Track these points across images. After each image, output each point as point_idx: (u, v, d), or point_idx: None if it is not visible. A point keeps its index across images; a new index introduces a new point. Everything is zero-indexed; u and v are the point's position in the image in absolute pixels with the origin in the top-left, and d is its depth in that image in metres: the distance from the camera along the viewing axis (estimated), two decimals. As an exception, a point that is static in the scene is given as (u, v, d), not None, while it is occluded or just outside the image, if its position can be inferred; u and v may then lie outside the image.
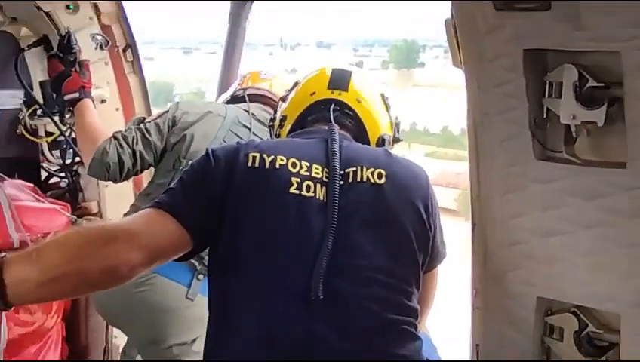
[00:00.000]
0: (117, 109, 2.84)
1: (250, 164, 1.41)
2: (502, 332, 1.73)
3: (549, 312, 1.67)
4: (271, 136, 1.88)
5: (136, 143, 2.22)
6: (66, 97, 2.52)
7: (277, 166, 1.41)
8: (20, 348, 2.53)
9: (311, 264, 1.32)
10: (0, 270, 1.20)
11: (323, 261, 1.32)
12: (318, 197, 1.40)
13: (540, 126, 1.57)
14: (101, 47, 2.72)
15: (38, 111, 2.69)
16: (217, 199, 1.39)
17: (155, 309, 2.25)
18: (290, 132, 1.71)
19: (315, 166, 1.43)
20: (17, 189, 2.65)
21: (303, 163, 1.43)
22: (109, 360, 2.92)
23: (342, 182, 1.42)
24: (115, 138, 2.23)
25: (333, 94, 1.67)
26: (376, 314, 1.36)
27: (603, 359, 1.60)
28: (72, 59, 2.57)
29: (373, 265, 1.38)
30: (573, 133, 1.53)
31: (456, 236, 1.92)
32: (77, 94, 2.51)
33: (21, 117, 2.70)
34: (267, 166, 1.41)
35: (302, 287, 1.32)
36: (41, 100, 2.73)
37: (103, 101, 2.77)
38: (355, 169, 1.44)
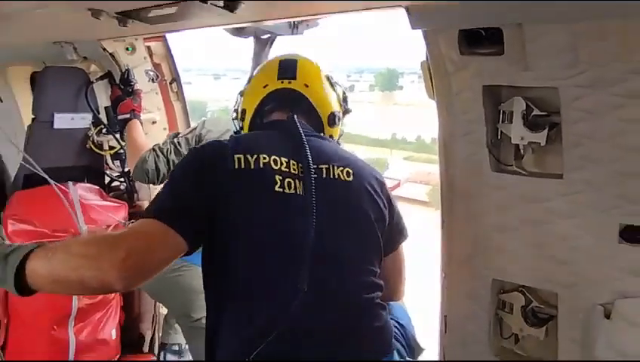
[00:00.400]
0: (164, 129, 2.84)
1: (236, 166, 1.25)
2: (465, 306, 1.73)
3: (501, 291, 1.66)
4: (235, 128, 1.66)
5: (170, 153, 2.21)
6: (120, 117, 2.55)
7: (261, 165, 1.26)
8: (87, 314, 2.54)
9: (298, 258, 1.20)
10: (25, 260, 1.10)
11: (308, 255, 1.20)
12: (298, 192, 1.27)
13: (495, 145, 1.56)
14: (153, 80, 2.71)
15: (103, 130, 2.69)
16: (206, 202, 1.22)
17: (186, 290, 2.25)
18: (251, 122, 1.54)
19: (292, 162, 1.30)
20: (86, 191, 2.65)
21: (282, 159, 1.29)
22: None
23: (315, 175, 1.28)
24: (154, 150, 2.24)
25: (283, 84, 1.50)
26: (355, 295, 1.29)
27: (544, 328, 1.59)
28: (130, 90, 2.58)
29: (348, 254, 1.30)
30: (522, 151, 1.53)
31: (427, 222, 1.89)
32: (128, 115, 2.53)
33: (90, 134, 2.70)
34: (252, 166, 1.26)
35: (292, 278, 1.19)
36: (105, 121, 2.74)
37: (153, 122, 2.77)
38: (327, 166, 1.33)
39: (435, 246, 1.79)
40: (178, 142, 2.25)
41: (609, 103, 1.29)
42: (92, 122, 2.69)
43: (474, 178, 1.60)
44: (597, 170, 1.36)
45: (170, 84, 2.82)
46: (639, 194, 1.31)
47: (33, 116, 2.65)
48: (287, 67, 1.53)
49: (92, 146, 2.71)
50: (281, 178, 1.26)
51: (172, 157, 2.21)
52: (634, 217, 1.33)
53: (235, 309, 1.25)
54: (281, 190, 1.25)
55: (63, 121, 2.64)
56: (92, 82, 2.69)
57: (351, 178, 1.34)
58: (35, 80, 3.09)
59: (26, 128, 2.73)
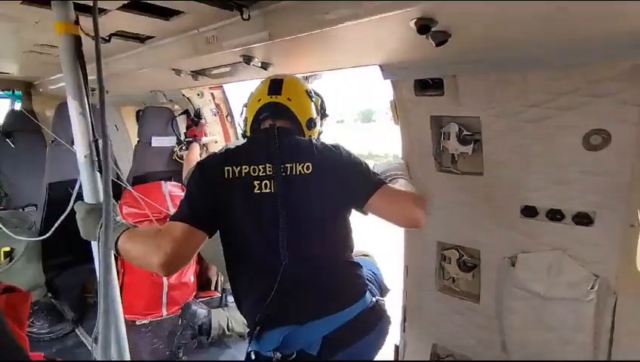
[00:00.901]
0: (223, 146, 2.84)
1: (226, 176, 1.16)
2: (420, 259, 1.72)
3: (443, 248, 1.65)
4: (242, 130, 1.47)
5: None
6: (186, 140, 2.57)
7: (243, 174, 1.16)
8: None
9: (276, 238, 1.13)
10: (121, 233, 1.12)
11: (284, 235, 1.13)
12: (272, 191, 1.16)
13: (439, 154, 1.55)
14: (215, 115, 2.72)
15: (183, 148, 2.71)
16: (212, 204, 1.15)
17: None
18: (251, 126, 1.37)
19: (267, 165, 1.18)
20: (173, 187, 2.67)
21: (260, 166, 1.17)
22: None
23: (284, 174, 1.17)
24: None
25: (272, 98, 1.33)
26: (326, 257, 1.20)
27: (471, 273, 1.59)
28: (199, 121, 2.59)
29: (315, 230, 1.19)
30: (456, 158, 1.51)
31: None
32: (191, 139, 2.54)
33: (175, 150, 2.71)
34: (237, 175, 1.16)
35: (275, 254, 1.13)
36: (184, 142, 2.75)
37: (216, 142, 2.77)
38: (292, 165, 1.18)
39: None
40: None
41: (513, 126, 1.29)
42: (176, 142, 2.71)
43: (425, 176, 1.59)
44: (505, 170, 1.36)
45: (227, 117, 2.82)
46: (532, 185, 1.31)
47: (138, 139, 2.67)
48: (275, 85, 1.37)
49: (176, 158, 2.72)
50: (259, 182, 1.17)
51: None
52: (529, 200, 1.33)
53: (244, 279, 1.21)
54: (259, 191, 1.16)
55: (158, 141, 2.66)
56: (176, 116, 2.71)
57: (310, 170, 1.18)
58: (138, 115, 3.12)
59: (133, 147, 2.75)
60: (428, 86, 1.42)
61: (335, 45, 1.34)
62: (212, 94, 2.68)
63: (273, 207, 1.14)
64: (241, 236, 1.17)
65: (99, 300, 1.03)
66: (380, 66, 1.46)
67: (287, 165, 1.18)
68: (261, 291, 1.14)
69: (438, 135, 1.52)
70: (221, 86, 2.69)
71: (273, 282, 1.11)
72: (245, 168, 1.17)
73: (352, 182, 1.23)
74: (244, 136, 1.45)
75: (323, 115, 1.47)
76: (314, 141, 1.27)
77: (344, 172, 1.22)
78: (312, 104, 1.39)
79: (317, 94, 1.45)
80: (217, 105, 2.72)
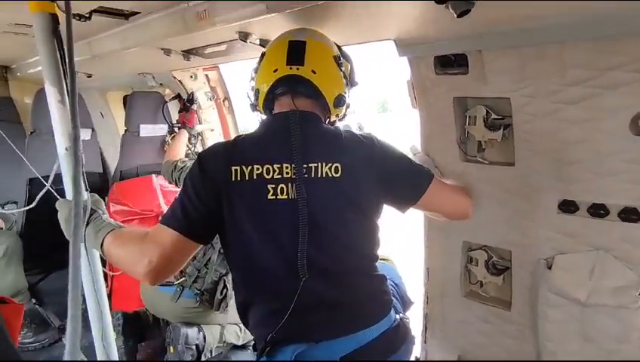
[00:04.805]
0: (219, 134, 2.87)
1: (233, 178, 1.08)
2: (442, 261, 1.72)
3: (469, 249, 1.65)
4: (251, 101, 1.32)
5: (176, 171, 2.22)
6: (175, 126, 2.63)
7: (254, 176, 1.08)
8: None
9: (296, 251, 1.06)
10: (106, 234, 1.14)
11: (304, 249, 1.06)
12: (290, 197, 1.07)
13: (464, 141, 1.54)
14: (210, 99, 2.74)
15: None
16: (210, 209, 1.09)
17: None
18: (264, 102, 1.24)
19: (285, 165, 1.09)
20: (165, 181, 2.72)
21: (275, 166, 1.08)
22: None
23: (306, 176, 1.08)
24: (175, 164, 2.24)
25: (292, 70, 1.17)
26: (351, 272, 1.15)
27: (502, 276, 1.59)
28: (193, 107, 2.62)
29: (340, 243, 1.12)
30: (483, 146, 1.50)
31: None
32: (179, 125, 2.58)
33: (166, 140, 2.75)
34: (247, 178, 1.08)
35: (294, 269, 1.06)
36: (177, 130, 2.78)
37: (212, 130, 2.80)
38: (316, 165, 1.09)
39: (419, 217, 1.76)
40: (181, 168, 2.22)
41: (548, 109, 1.27)
42: (168, 131, 2.75)
43: (448, 167, 1.58)
44: (540, 159, 1.34)
45: (223, 101, 2.84)
46: (572, 176, 1.29)
47: (125, 128, 2.71)
48: (296, 51, 1.19)
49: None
50: (273, 186, 1.08)
51: (176, 175, 2.20)
52: (568, 193, 1.31)
53: (252, 293, 1.16)
54: (273, 198, 1.08)
55: (147, 130, 2.70)
56: (166, 102, 2.74)
57: (339, 173, 1.10)
58: (126, 101, 3.17)
59: (120, 136, 2.80)
60: (450, 63, 1.41)
61: (342, 18, 1.33)
62: (206, 76, 2.70)
63: (291, 217, 1.06)
64: (250, 250, 1.11)
65: (69, 304, 0.96)
66: (395, 41, 1.45)
67: (310, 165, 1.09)
68: (274, 307, 1.11)
69: (463, 119, 1.51)
70: (216, 66, 2.71)
71: (289, 299, 1.07)
72: (257, 168, 1.08)
73: (399, 181, 1.18)
74: (253, 109, 1.33)
75: (352, 84, 1.33)
76: (343, 132, 1.18)
77: (385, 170, 1.16)
78: (342, 74, 1.24)
79: (345, 58, 1.30)
80: (213, 89, 2.75)
